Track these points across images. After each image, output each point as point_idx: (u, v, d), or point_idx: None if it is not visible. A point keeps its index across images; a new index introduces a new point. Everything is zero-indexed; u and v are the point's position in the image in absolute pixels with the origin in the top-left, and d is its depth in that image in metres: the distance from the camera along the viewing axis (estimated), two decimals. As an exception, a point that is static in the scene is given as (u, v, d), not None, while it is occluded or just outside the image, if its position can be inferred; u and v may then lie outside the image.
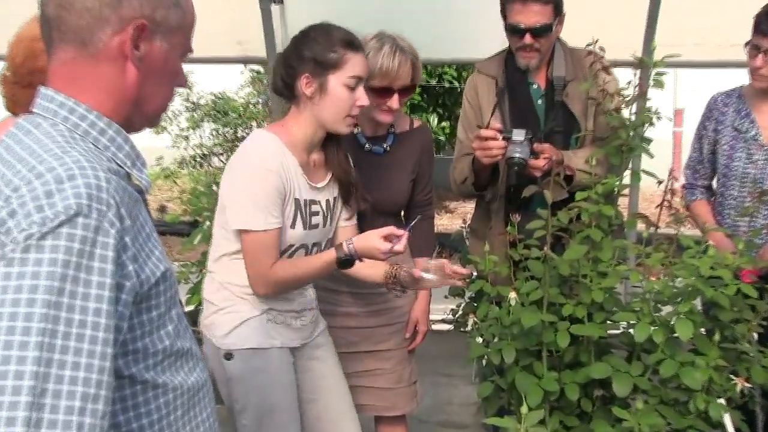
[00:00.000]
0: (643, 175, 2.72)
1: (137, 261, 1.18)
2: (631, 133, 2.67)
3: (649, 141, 2.68)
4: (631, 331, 2.48)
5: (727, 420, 2.15)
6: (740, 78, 3.13)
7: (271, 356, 2.35)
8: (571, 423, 2.45)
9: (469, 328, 2.66)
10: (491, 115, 2.90)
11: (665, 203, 2.51)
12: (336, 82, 2.29)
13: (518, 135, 2.66)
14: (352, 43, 2.30)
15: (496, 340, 2.54)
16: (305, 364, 2.50)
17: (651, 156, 2.70)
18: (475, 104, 2.96)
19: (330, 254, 2.29)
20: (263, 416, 2.35)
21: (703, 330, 2.40)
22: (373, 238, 2.25)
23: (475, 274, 2.85)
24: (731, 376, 2.21)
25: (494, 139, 2.68)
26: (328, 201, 2.44)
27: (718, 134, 3.12)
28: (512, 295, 2.41)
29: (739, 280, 2.16)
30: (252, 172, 2.23)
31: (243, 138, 9.28)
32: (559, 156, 2.61)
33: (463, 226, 4.24)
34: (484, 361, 2.64)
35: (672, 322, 2.19)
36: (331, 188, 2.47)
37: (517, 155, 2.64)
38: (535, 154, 2.66)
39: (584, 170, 2.66)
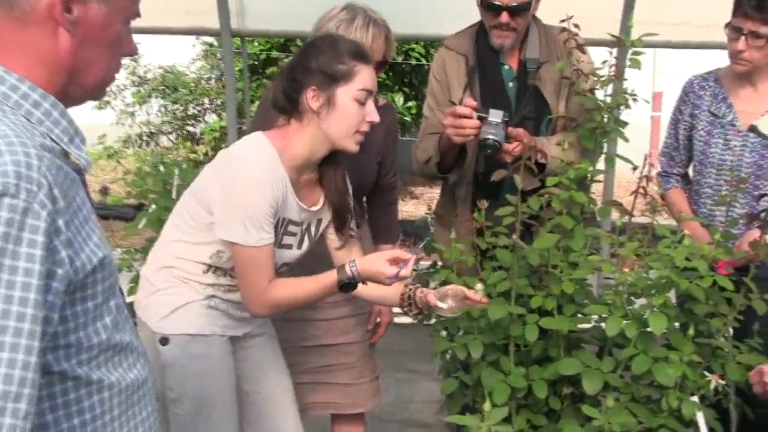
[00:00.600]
0: (618, 161, 2.74)
1: (72, 246, 1.15)
2: (606, 116, 2.69)
3: (624, 124, 2.69)
4: (602, 325, 2.51)
5: (700, 418, 2.18)
6: (723, 61, 3.15)
7: (212, 343, 2.35)
8: (538, 422, 2.48)
9: (433, 321, 2.66)
10: (462, 94, 2.88)
11: (641, 191, 2.52)
12: (345, 95, 2.25)
13: (495, 116, 2.63)
14: (361, 53, 2.28)
15: (461, 333, 2.56)
16: (245, 353, 2.50)
17: (626, 140, 2.71)
18: (443, 81, 2.94)
19: (331, 276, 2.26)
20: (201, 407, 2.34)
21: (677, 324, 2.43)
22: (378, 262, 2.21)
23: (440, 263, 2.86)
24: (705, 372, 2.24)
25: (469, 117, 2.65)
26: (310, 225, 2.43)
27: (694, 119, 3.15)
28: (478, 286, 2.41)
29: (715, 272, 2.18)
30: (249, 183, 2.20)
31: (194, 116, 9.23)
32: (532, 141, 2.62)
33: (429, 212, 4.27)
34: (448, 356, 2.65)
35: (645, 316, 2.21)
36: (322, 212, 2.45)
37: (492, 137, 2.62)
38: (508, 138, 2.66)
39: (557, 156, 2.67)
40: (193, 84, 9.13)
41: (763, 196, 2.80)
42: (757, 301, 2.29)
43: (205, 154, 8.78)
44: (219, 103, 9.12)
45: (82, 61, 1.25)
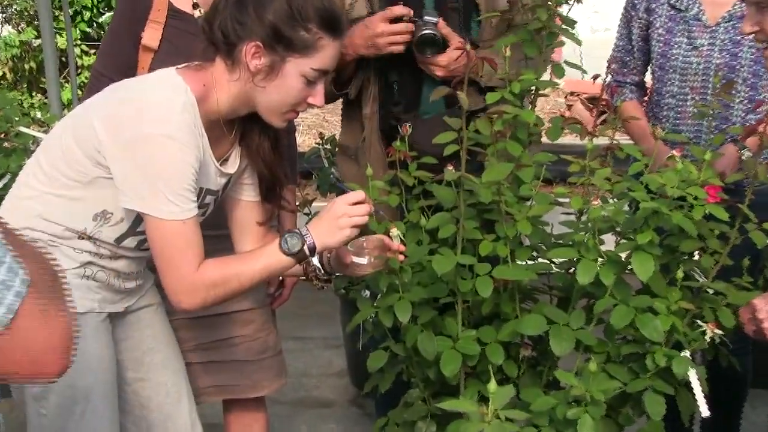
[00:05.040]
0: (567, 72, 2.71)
1: None
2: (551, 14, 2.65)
3: (573, 23, 2.67)
4: (563, 272, 2.52)
5: (693, 376, 2.21)
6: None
7: (87, 323, 2.26)
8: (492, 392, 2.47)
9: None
10: None
11: (602, 104, 2.53)
12: (294, 68, 2.14)
13: (431, 16, 2.72)
14: (333, 23, 2.15)
15: (384, 291, 2.51)
16: (128, 332, 2.45)
17: (579, 43, 2.69)
18: None
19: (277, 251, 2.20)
20: (72, 404, 2.28)
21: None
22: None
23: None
24: (699, 322, 2.27)
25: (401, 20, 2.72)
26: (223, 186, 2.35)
27: (650, 14, 3.15)
28: (393, 231, 2.37)
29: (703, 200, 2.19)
30: (169, 140, 2.05)
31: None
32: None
33: (319, 143, 4.21)
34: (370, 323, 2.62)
35: (624, 258, 2.22)
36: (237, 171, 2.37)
37: (430, 31, 2.68)
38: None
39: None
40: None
41: (761, 103, 2.83)
42: (756, 233, 2.32)
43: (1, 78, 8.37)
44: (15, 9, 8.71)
45: None
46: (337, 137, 3.75)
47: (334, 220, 2.18)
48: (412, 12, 2.72)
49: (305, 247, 2.17)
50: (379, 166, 2.78)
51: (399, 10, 2.72)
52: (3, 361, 1.19)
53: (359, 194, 2.21)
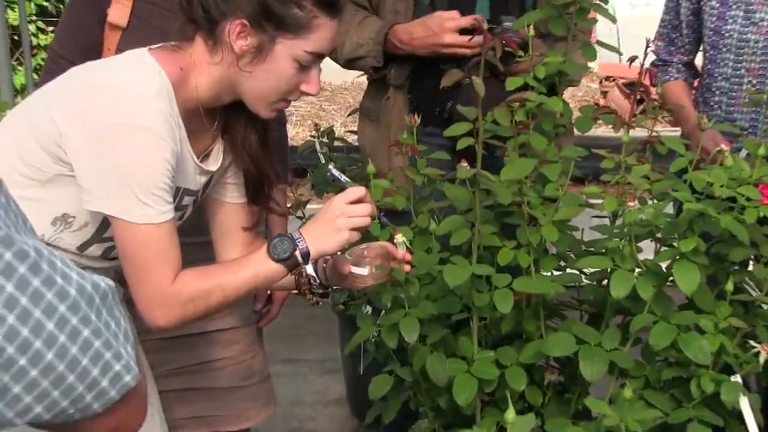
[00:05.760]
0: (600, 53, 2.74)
1: None
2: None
3: (606, -1, 2.70)
4: (593, 283, 2.53)
5: (745, 405, 2.23)
6: None
7: None
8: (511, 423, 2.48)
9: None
10: None
11: (641, 90, 2.54)
12: (285, 51, 2.15)
13: (508, 21, 2.84)
14: (331, 1, 2.18)
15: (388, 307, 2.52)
16: None
17: (613, 20, 2.72)
18: None
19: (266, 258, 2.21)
20: None
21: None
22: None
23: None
24: (751, 342, 2.28)
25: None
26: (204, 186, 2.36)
27: (702, -15, 3.17)
28: (399, 237, 2.38)
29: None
30: (140, 132, 2.06)
31: None
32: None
33: (315, 135, 4.23)
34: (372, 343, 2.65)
35: (665, 268, 2.24)
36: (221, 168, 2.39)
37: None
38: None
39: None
40: None
41: None
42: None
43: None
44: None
45: None
46: (334, 129, 3.80)
47: (331, 220, 2.19)
48: (485, 19, 2.68)
49: (297, 253, 2.18)
50: (399, 128, 2.92)
51: (470, 20, 2.86)
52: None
53: (359, 190, 2.22)
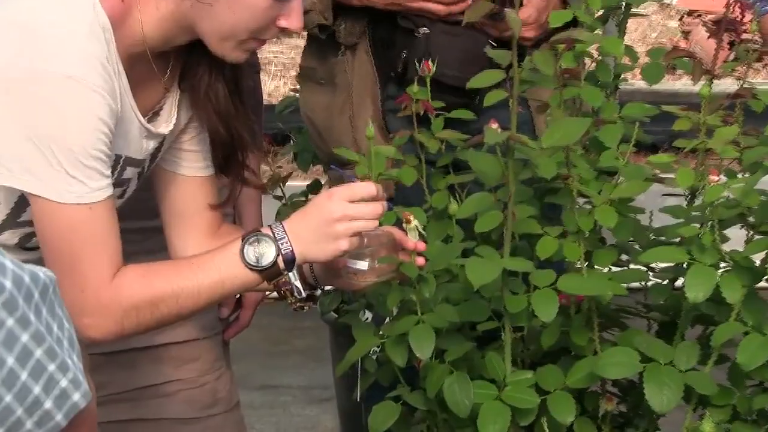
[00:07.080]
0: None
1: None
2: None
3: None
4: (665, 283, 2.55)
5: None
6: None
7: None
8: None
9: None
10: None
11: (729, 28, 2.55)
12: None
13: None
14: None
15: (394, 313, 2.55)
16: None
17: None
18: None
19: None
20: None
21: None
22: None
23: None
24: None
25: None
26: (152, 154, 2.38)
27: None
28: (412, 222, 2.40)
29: None
30: (63, 80, 2.08)
31: None
32: None
33: (297, 89, 4.26)
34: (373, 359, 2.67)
35: (758, 263, 2.25)
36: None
37: None
38: None
39: None
40: None
41: None
42: None
43: None
44: None
45: None
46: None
47: (328, 224, 2.22)
48: None
49: (280, 259, 2.22)
50: (366, 94, 2.94)
51: None
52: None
53: (369, 187, 2.25)
